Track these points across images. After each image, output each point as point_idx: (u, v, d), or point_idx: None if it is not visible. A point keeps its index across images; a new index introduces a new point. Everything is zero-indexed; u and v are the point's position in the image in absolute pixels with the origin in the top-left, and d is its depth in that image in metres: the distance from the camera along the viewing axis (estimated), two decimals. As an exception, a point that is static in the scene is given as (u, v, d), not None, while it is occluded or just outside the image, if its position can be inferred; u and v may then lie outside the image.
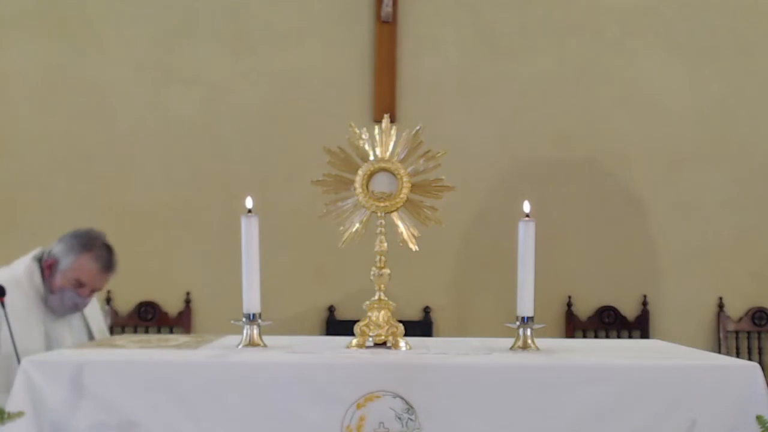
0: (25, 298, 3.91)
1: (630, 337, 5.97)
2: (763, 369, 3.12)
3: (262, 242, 3.35)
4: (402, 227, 3.38)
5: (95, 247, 4.01)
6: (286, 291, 5.76)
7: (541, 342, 3.38)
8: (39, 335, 3.88)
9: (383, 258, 3.39)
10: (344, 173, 3.41)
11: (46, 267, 3.98)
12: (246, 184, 5.66)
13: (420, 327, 5.80)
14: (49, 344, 3.90)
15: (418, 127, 3.40)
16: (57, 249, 4.00)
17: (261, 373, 3.06)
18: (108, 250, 4.05)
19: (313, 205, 3.57)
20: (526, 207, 3.39)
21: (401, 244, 3.39)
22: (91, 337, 4.15)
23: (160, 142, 6.00)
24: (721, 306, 6.04)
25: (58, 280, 3.96)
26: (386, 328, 3.35)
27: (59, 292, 3.96)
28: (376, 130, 3.42)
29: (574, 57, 6.07)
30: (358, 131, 3.41)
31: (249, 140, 6.01)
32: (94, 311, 4.27)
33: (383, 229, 3.38)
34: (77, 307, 4.05)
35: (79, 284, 3.98)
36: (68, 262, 3.96)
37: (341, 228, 3.40)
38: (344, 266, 5.60)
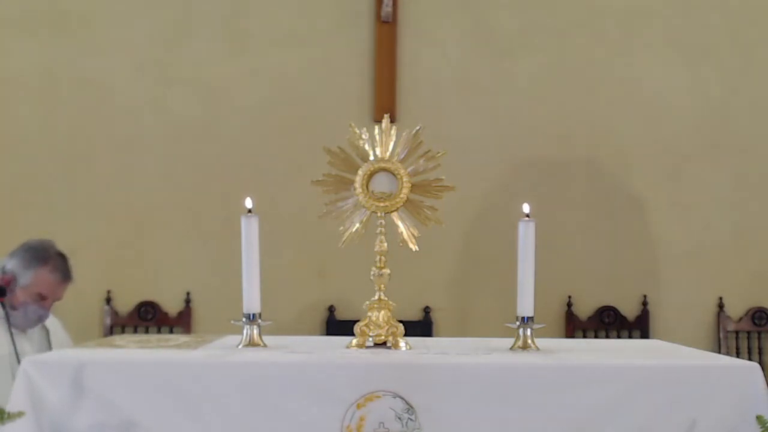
0: None
1: (630, 337, 5.97)
2: (763, 369, 3.11)
3: (262, 242, 3.34)
4: (402, 227, 3.38)
5: (51, 259, 4.01)
6: (286, 291, 5.76)
7: (541, 342, 3.37)
8: (7, 354, 3.81)
9: (383, 258, 3.39)
10: (344, 173, 3.41)
11: (4, 284, 3.92)
12: (246, 184, 5.66)
13: (420, 327, 5.80)
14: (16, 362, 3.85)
15: (418, 127, 3.40)
16: (11, 265, 3.99)
17: (261, 373, 3.05)
18: (63, 258, 4.05)
19: (313, 205, 3.57)
20: (526, 209, 3.39)
21: (401, 244, 3.38)
22: (49, 347, 4.11)
23: (160, 142, 6.00)
24: (721, 306, 6.04)
25: (20, 296, 3.95)
26: (386, 328, 3.35)
27: (22, 308, 3.95)
28: (376, 130, 3.41)
29: (574, 57, 6.07)
30: (358, 131, 3.41)
31: (249, 140, 6.01)
32: (54, 322, 4.25)
33: (383, 229, 3.38)
34: (41, 319, 4.06)
35: (41, 297, 3.98)
36: (27, 278, 3.95)
37: (341, 228, 3.40)
38: (344, 266, 5.60)
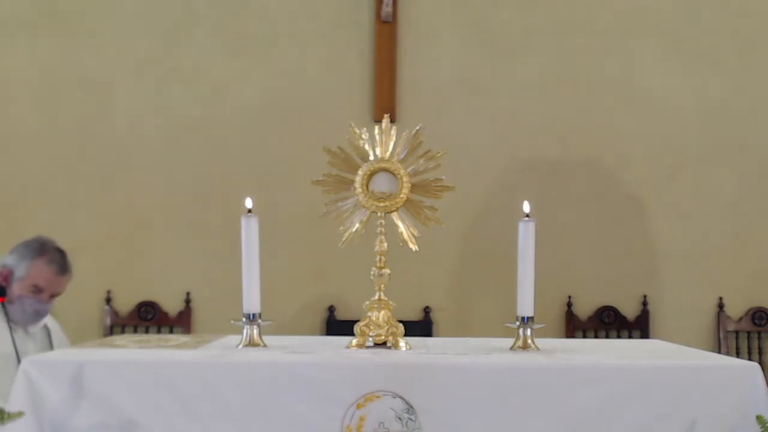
0: None
1: (630, 337, 5.97)
2: (763, 369, 3.12)
3: (262, 242, 3.35)
4: (402, 227, 3.38)
5: (47, 252, 4.03)
6: (286, 291, 5.76)
7: (541, 342, 3.38)
8: (8, 354, 3.82)
9: (383, 258, 3.39)
10: (344, 173, 3.41)
11: (2, 279, 3.97)
12: (246, 184, 5.66)
13: (420, 327, 5.81)
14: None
15: (418, 127, 3.40)
16: (9, 260, 4.02)
17: (261, 373, 3.05)
18: (61, 253, 4.07)
19: (313, 205, 3.57)
20: (526, 207, 3.39)
21: (401, 244, 3.38)
22: (51, 347, 4.12)
23: (160, 141, 6.00)
24: (721, 306, 6.04)
25: (16, 289, 3.97)
26: (386, 328, 3.35)
27: (18, 301, 3.96)
28: (376, 130, 3.42)
29: (574, 57, 6.07)
30: (358, 131, 3.41)
31: (249, 140, 6.01)
32: (56, 327, 4.26)
33: (383, 229, 3.38)
34: (39, 314, 4.05)
35: (36, 290, 3.99)
36: (22, 270, 3.98)
37: (341, 228, 3.40)
38: (344, 266, 5.60)
